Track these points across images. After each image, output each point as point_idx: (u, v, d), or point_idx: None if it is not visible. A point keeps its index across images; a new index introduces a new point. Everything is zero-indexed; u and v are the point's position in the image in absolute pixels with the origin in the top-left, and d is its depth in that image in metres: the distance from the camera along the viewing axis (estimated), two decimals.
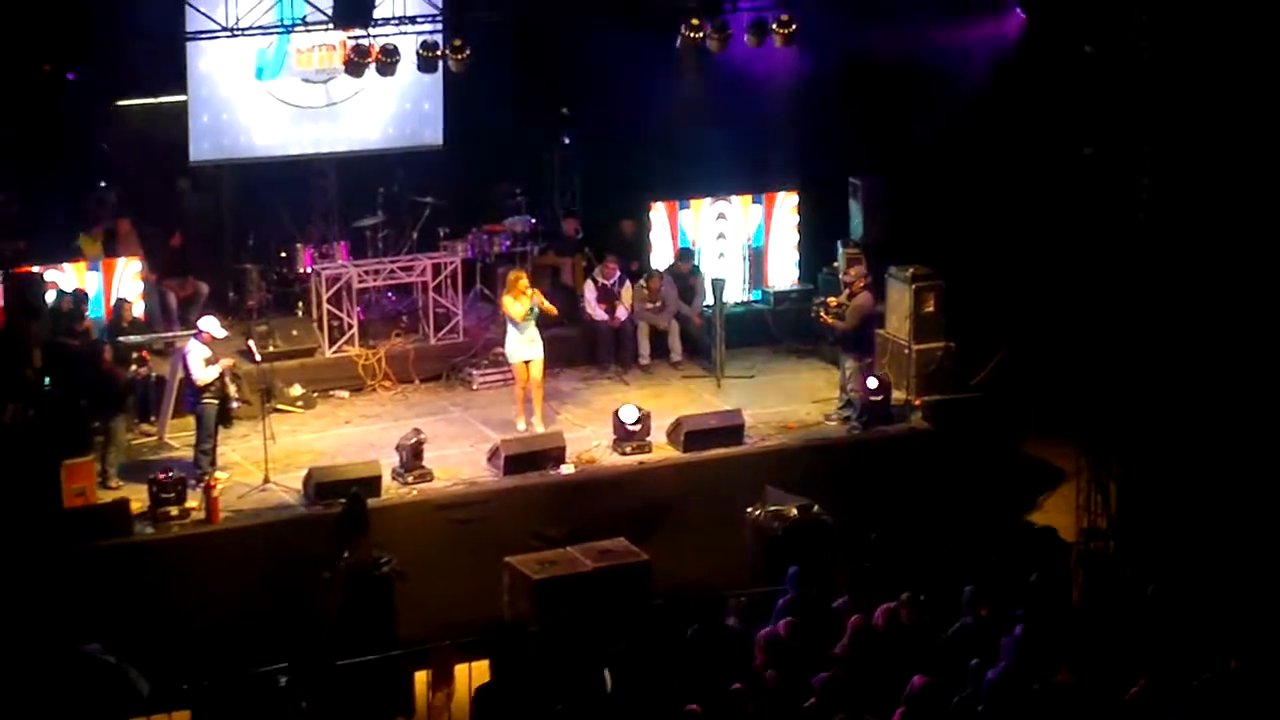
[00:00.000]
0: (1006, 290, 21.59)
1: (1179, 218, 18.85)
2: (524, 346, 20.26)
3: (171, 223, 22.66)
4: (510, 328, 20.33)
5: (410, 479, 19.03)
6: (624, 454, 19.82)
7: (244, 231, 22.87)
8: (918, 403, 21.05)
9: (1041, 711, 13.84)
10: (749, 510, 18.75)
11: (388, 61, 21.08)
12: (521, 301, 20.15)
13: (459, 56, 21.16)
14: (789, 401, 21.55)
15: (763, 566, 18.03)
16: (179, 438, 19.86)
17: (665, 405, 21.01)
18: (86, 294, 20.88)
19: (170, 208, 22.83)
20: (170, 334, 21.15)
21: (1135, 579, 15.97)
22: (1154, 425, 18.79)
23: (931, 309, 21.42)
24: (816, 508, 18.58)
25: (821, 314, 20.95)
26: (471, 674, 15.78)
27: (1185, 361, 18.89)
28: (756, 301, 23.75)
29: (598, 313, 22.39)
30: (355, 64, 21.03)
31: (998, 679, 13.97)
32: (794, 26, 21.92)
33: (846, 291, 20.93)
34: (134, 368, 19.95)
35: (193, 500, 18.32)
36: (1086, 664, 14.77)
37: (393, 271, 22.25)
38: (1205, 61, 18.86)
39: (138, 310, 21.20)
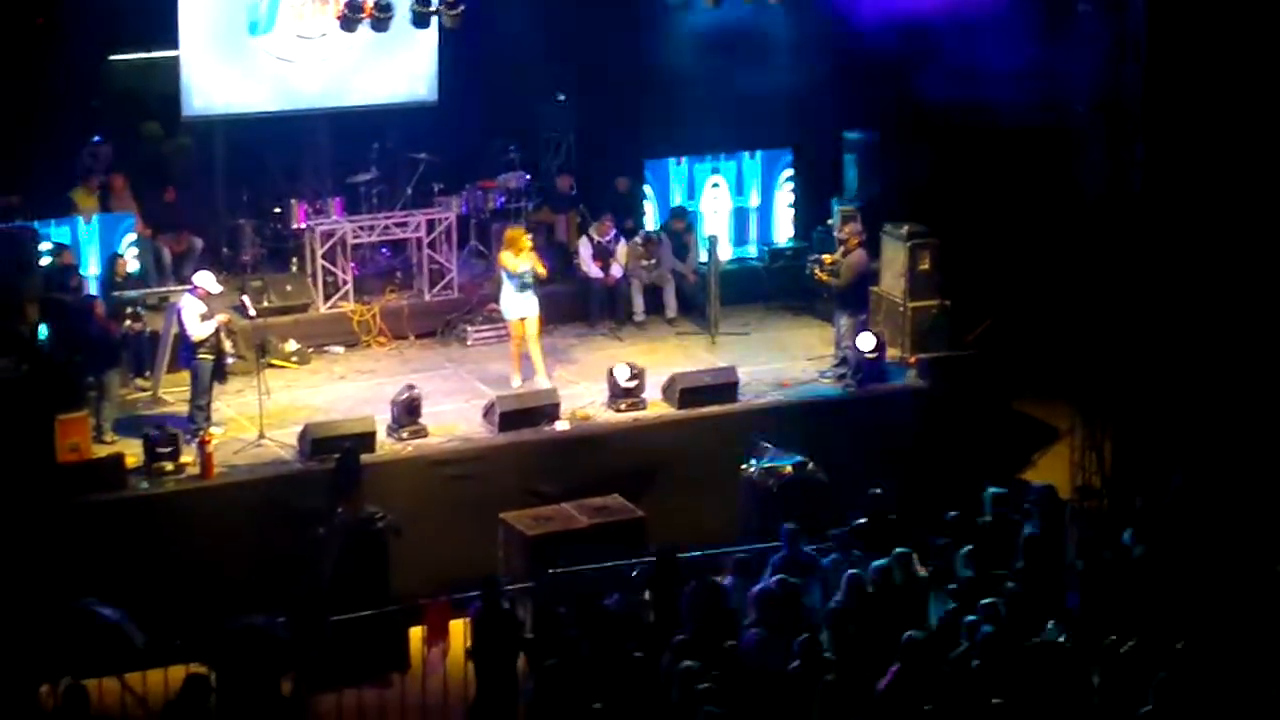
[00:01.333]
0: (1002, 248, 21.54)
1: (1173, 178, 18.81)
2: (519, 303, 20.21)
3: (165, 178, 22.59)
4: (506, 284, 20.27)
5: (405, 435, 19.00)
6: (619, 411, 19.81)
7: (238, 187, 22.78)
8: (912, 360, 21.05)
9: (1034, 668, 13.87)
10: (743, 467, 18.78)
11: (382, 17, 21.06)
12: (522, 259, 20.09)
13: (453, 12, 21.11)
14: (784, 358, 21.53)
15: (757, 523, 18.06)
16: (174, 393, 19.82)
17: (660, 362, 20.99)
18: (77, 249, 20.85)
19: (163, 162, 22.75)
20: (165, 289, 21.12)
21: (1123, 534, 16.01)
22: (1149, 383, 18.78)
23: (927, 266, 21.41)
24: (811, 464, 18.61)
25: (816, 271, 20.94)
26: (466, 629, 15.80)
27: (1180, 319, 18.88)
28: (751, 259, 23.72)
29: (593, 270, 22.35)
30: (349, 19, 20.99)
31: (992, 635, 14.00)
32: None
33: (841, 249, 20.90)
34: (128, 323, 19.93)
35: (187, 456, 18.30)
36: (1079, 621, 14.83)
37: (387, 227, 22.20)
38: (1201, 22, 18.80)
39: (132, 265, 21.17)
